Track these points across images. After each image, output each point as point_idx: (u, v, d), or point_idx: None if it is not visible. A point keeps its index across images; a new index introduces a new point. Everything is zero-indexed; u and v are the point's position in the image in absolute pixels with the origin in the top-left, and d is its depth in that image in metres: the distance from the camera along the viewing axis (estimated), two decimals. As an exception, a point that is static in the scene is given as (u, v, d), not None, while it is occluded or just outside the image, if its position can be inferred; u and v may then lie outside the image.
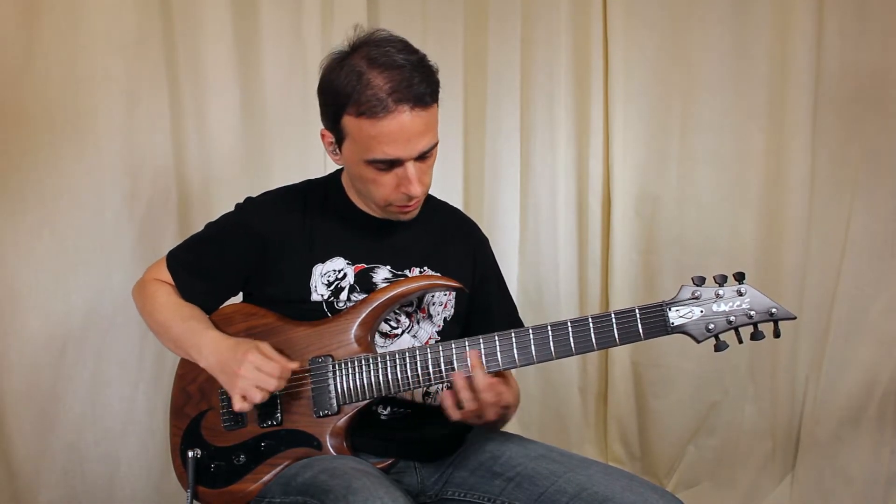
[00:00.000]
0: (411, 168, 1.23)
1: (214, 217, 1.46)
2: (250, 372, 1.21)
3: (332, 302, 1.33)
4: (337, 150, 1.30)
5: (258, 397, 1.21)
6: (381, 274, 1.35)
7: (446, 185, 2.34)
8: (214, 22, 1.94)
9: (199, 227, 1.46)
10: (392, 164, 1.23)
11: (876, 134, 1.97)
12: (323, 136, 1.31)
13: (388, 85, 1.17)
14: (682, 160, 2.22)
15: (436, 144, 1.26)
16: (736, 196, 2.17)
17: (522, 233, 2.40)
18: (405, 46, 1.23)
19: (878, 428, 1.99)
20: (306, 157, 1.98)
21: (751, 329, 1.18)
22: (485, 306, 1.46)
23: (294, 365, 1.25)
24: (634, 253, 2.32)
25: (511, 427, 2.42)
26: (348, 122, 1.22)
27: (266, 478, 1.28)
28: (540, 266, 2.37)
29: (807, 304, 2.06)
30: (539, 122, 2.32)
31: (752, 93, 2.11)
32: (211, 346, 1.28)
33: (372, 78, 1.18)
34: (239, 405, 1.23)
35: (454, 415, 1.23)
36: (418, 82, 1.19)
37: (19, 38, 1.72)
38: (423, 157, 1.25)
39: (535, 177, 2.35)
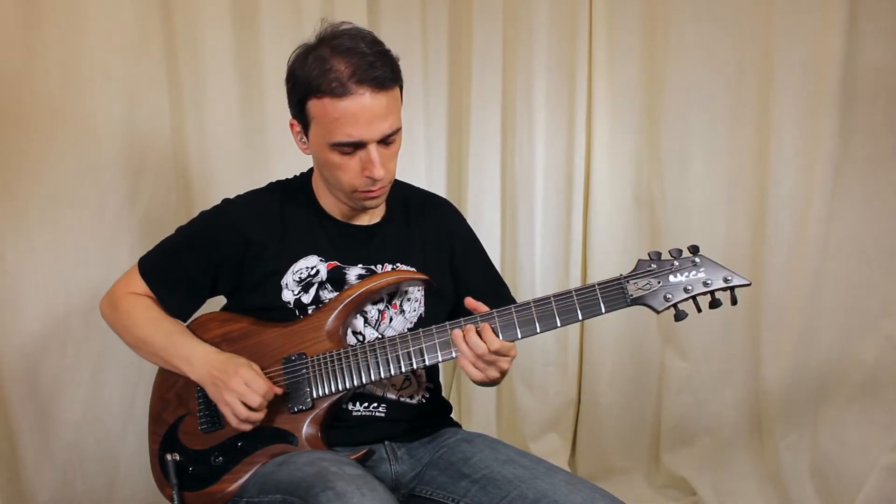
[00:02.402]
0: (374, 151, 1.26)
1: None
2: (239, 385, 1.26)
3: (300, 299, 1.36)
4: (304, 139, 1.33)
5: (243, 413, 1.26)
6: (354, 272, 1.38)
7: (431, 186, 2.36)
8: (214, 22, 1.95)
9: (199, 227, 1.46)
10: (356, 146, 1.26)
11: (868, 132, 1.96)
12: (292, 125, 1.34)
13: (349, 68, 1.22)
14: (669, 159, 2.23)
15: (398, 130, 1.29)
16: (725, 195, 2.18)
17: (503, 232, 2.42)
18: (369, 38, 1.27)
19: (880, 424, 1.99)
20: (306, 157, 1.98)
21: (708, 298, 1.23)
22: (463, 281, 1.48)
23: (279, 389, 1.29)
24: (615, 252, 2.33)
25: (507, 431, 2.45)
26: (313, 106, 1.26)
27: (244, 477, 1.31)
28: (518, 266, 2.39)
29: (803, 302, 2.06)
30: (520, 121, 2.34)
31: (741, 91, 2.11)
32: (202, 359, 1.32)
33: (335, 63, 1.23)
34: (235, 422, 1.28)
35: (475, 375, 1.26)
36: (379, 66, 1.23)
37: (19, 38, 1.72)
38: (387, 142, 1.28)
39: (515, 176, 2.37)
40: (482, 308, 1.27)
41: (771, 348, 2.12)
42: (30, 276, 1.78)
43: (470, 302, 1.28)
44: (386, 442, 1.38)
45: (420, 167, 2.36)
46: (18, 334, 1.78)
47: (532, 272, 2.38)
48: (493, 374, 1.27)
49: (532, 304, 1.25)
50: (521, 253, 2.39)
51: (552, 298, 1.25)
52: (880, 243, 1.98)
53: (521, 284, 2.39)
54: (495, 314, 1.26)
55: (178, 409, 1.39)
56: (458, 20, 2.37)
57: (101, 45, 1.81)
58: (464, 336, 1.24)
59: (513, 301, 1.51)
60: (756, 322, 2.14)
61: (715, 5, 2.12)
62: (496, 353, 1.24)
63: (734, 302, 1.24)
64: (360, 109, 1.22)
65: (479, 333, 1.24)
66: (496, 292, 1.52)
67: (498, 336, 1.24)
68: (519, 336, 1.25)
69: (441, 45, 2.37)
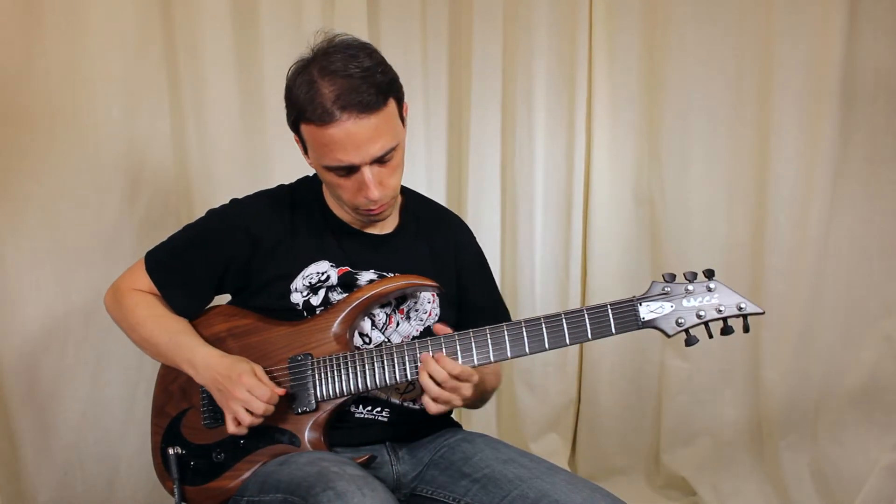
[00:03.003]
0: (368, 173, 1.25)
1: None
2: (243, 394, 1.25)
3: (309, 300, 1.35)
4: (306, 155, 1.33)
5: (247, 420, 1.25)
6: (366, 276, 1.38)
7: (431, 186, 2.37)
8: (214, 22, 1.95)
9: (199, 227, 1.46)
10: (349, 170, 1.26)
11: (867, 132, 1.97)
12: (297, 141, 1.34)
13: (333, 93, 1.21)
14: (669, 159, 2.24)
15: (394, 147, 1.27)
16: (725, 195, 2.18)
17: (503, 232, 2.42)
18: (361, 53, 1.25)
19: (880, 424, 1.99)
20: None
21: (720, 324, 1.22)
22: (466, 299, 1.48)
23: (281, 391, 1.28)
24: (615, 252, 2.33)
25: (507, 431, 2.45)
26: (304, 130, 1.26)
27: (245, 475, 1.31)
28: (518, 266, 2.39)
29: (803, 302, 2.06)
30: (520, 122, 2.35)
31: (741, 91, 2.12)
32: (206, 363, 1.31)
33: (320, 87, 1.22)
34: (233, 429, 1.27)
35: (431, 407, 1.24)
36: (364, 90, 1.21)
37: (19, 38, 1.72)
38: (383, 161, 1.26)
39: (515, 176, 2.38)
40: (447, 331, 1.27)
41: (771, 348, 2.12)
42: (30, 275, 1.78)
43: (437, 328, 1.28)
44: (387, 443, 1.37)
45: (420, 167, 2.36)
46: (18, 334, 1.78)
47: (532, 272, 2.39)
48: (456, 402, 1.25)
49: (542, 321, 1.24)
50: (521, 253, 2.39)
51: (563, 315, 1.24)
52: (880, 243, 1.99)
53: (521, 285, 2.40)
54: (504, 327, 1.25)
55: (181, 402, 1.39)
56: (458, 20, 2.37)
57: (101, 45, 1.81)
58: (426, 371, 1.23)
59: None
60: (756, 322, 2.11)
61: (715, 5, 2.12)
62: (457, 378, 1.22)
63: (746, 329, 1.23)
64: (345, 136, 1.21)
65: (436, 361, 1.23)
66: (493, 315, 1.48)
67: (507, 353, 1.24)
68: (527, 351, 1.24)
69: (441, 45, 2.37)
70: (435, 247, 1.46)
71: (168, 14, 1.91)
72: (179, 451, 1.35)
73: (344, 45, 1.26)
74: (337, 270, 1.36)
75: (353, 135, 1.21)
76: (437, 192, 2.41)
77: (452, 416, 1.52)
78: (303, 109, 1.23)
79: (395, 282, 1.35)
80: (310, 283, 1.35)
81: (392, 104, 1.26)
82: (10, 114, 1.73)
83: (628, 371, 2.36)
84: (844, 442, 2.03)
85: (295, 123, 1.28)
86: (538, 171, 2.35)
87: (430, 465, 1.36)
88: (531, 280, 2.38)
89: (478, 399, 1.41)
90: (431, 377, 1.23)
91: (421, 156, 2.37)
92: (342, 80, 1.21)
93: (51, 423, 1.83)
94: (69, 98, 1.79)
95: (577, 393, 2.46)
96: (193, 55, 1.93)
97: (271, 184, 1.49)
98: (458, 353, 1.25)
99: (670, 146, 2.23)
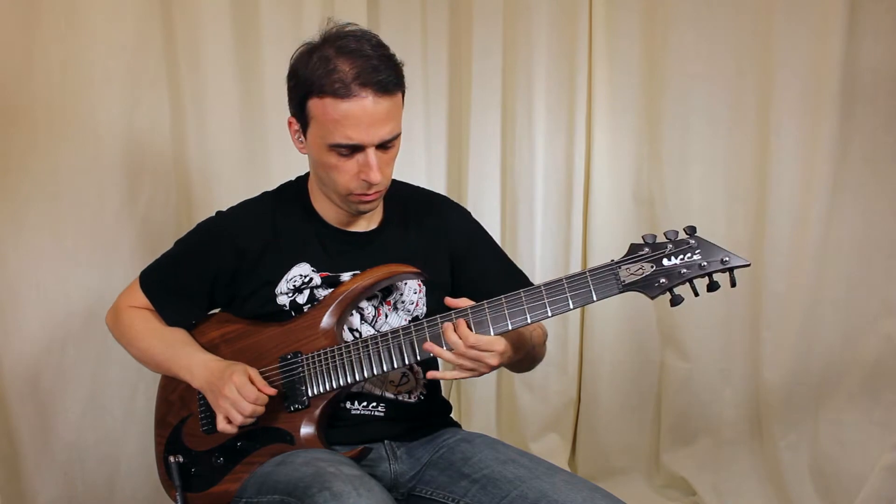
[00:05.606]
0: (372, 155, 1.25)
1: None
2: (232, 393, 1.26)
3: (296, 300, 1.36)
4: (302, 138, 1.32)
5: (238, 418, 1.26)
6: (348, 277, 1.37)
7: (431, 186, 2.36)
8: (214, 22, 1.95)
9: (200, 228, 1.46)
10: (354, 149, 1.25)
11: (867, 132, 1.97)
12: (290, 123, 1.33)
13: (353, 70, 1.21)
14: (669, 159, 2.24)
15: (398, 136, 1.28)
16: (725, 195, 2.18)
17: (503, 233, 2.42)
18: (375, 41, 1.26)
19: (880, 424, 1.99)
20: (305, 157, 1.99)
21: (706, 280, 1.18)
22: (480, 273, 1.46)
23: (272, 391, 1.28)
24: (616, 252, 2.30)
25: (507, 431, 2.45)
26: (314, 105, 1.25)
27: (245, 477, 1.31)
28: (518, 265, 2.37)
29: (803, 302, 2.06)
30: (520, 122, 2.34)
31: (741, 91, 2.12)
32: (201, 367, 1.33)
33: (339, 63, 1.22)
34: (221, 426, 1.28)
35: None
36: (383, 70, 1.22)
37: (19, 38, 1.72)
38: (385, 147, 1.27)
39: (515, 176, 2.38)
40: (462, 304, 1.25)
41: (771, 348, 2.12)
42: (30, 276, 1.78)
43: (449, 301, 1.26)
44: (385, 441, 1.38)
45: (420, 167, 2.36)
46: (18, 334, 1.78)
47: (532, 273, 2.38)
48: (483, 369, 1.25)
49: (522, 294, 1.23)
50: (522, 253, 2.39)
51: (542, 287, 1.22)
52: (880, 243, 1.99)
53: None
54: (486, 305, 1.23)
55: (181, 410, 1.40)
56: (458, 21, 2.37)
57: (101, 45, 1.81)
58: (445, 336, 1.23)
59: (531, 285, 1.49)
60: (756, 322, 2.14)
61: (715, 6, 2.12)
62: (473, 347, 1.21)
63: (733, 284, 1.18)
64: (361, 112, 1.22)
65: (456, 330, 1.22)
66: (511, 278, 1.47)
67: (489, 329, 1.22)
68: (510, 327, 1.22)
69: (441, 45, 2.38)
70: (424, 232, 1.44)
71: (168, 14, 1.91)
72: (180, 459, 1.35)
73: (356, 31, 1.27)
74: (319, 274, 1.37)
75: (369, 113, 1.22)
76: (436, 190, 2.41)
77: (452, 415, 1.52)
78: (318, 83, 1.22)
79: (377, 272, 1.34)
80: (294, 285, 1.36)
81: (400, 97, 1.27)
82: (10, 114, 1.73)
83: (628, 371, 2.36)
84: (844, 441, 2.03)
85: (302, 100, 1.26)
86: (538, 171, 2.35)
87: (429, 465, 1.36)
88: (531, 280, 2.38)
89: (525, 359, 1.39)
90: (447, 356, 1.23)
91: (421, 156, 2.37)
92: (361, 60, 1.22)
93: (51, 423, 1.83)
94: (69, 98, 1.79)
95: (577, 393, 2.46)
96: (193, 55, 1.94)
97: (271, 183, 1.49)
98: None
99: (670, 146, 2.23)
